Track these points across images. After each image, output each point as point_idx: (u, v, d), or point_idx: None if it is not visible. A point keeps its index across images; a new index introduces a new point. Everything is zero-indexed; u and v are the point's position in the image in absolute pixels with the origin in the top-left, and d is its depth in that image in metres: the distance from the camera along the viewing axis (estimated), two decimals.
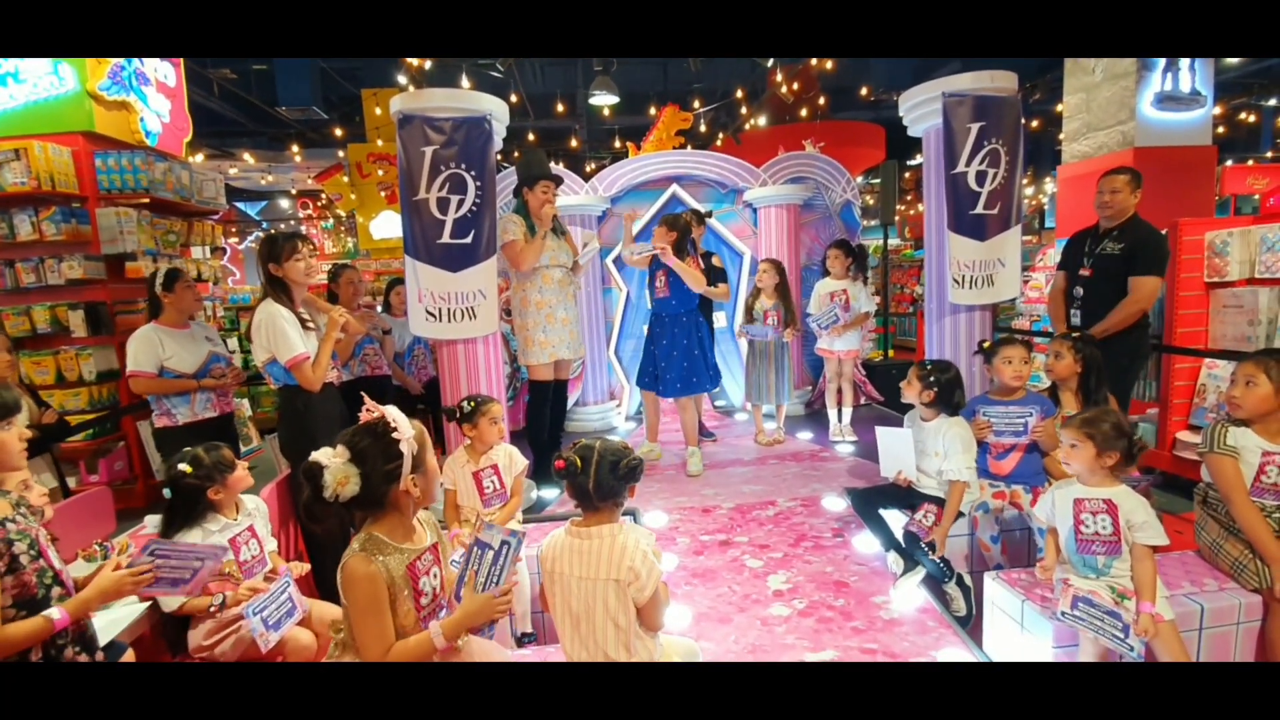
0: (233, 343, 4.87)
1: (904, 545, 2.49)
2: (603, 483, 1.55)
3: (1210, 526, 2.17)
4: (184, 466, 2.01)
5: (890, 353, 7.19)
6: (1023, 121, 3.18)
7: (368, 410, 1.47)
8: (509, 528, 1.54)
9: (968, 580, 2.44)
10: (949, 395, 2.54)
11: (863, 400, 5.13)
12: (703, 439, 4.46)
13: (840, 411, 4.41)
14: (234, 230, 14.39)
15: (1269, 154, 12.66)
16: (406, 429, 1.46)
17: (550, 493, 3.49)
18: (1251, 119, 10.96)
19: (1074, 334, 2.82)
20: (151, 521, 2.60)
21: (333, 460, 1.40)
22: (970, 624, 2.35)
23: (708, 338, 3.99)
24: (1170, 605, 1.86)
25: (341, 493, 1.37)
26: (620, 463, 1.57)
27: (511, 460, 2.60)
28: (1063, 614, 1.84)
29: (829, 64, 8.05)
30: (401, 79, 7.67)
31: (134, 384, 3.00)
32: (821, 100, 9.14)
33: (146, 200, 4.32)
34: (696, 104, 9.18)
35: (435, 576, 1.50)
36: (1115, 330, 3.10)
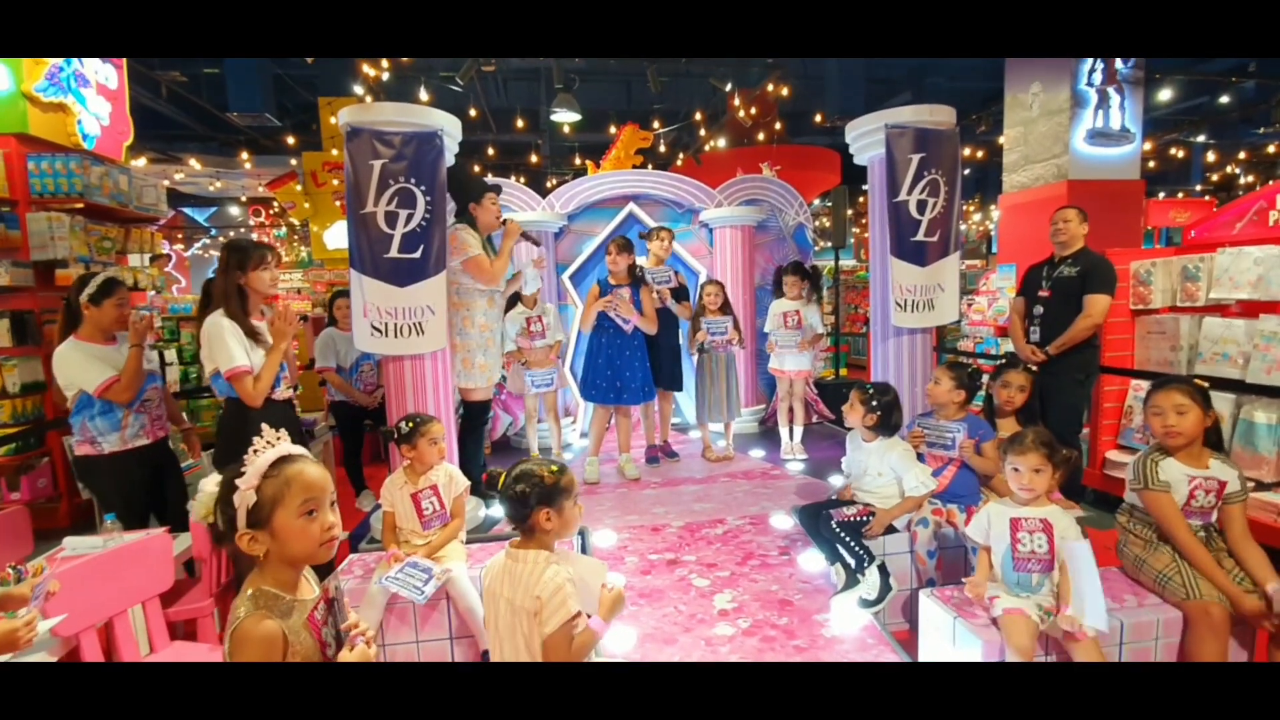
0: (170, 354, 4.67)
1: (808, 521, 2.69)
2: (507, 504, 1.57)
3: (1133, 542, 2.27)
4: None
5: (844, 371, 7.35)
6: (961, 153, 3.32)
7: (254, 447, 1.26)
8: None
9: (886, 567, 2.53)
10: (889, 417, 2.63)
11: (814, 419, 5.23)
12: (667, 459, 4.48)
13: (791, 430, 4.47)
14: (180, 236, 13.86)
15: (1198, 187, 13.45)
16: (250, 479, 1.21)
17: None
18: (1181, 154, 11.63)
19: (1028, 367, 2.95)
20: (71, 544, 2.47)
21: (206, 489, 1.26)
22: (882, 603, 2.45)
23: (662, 347, 4.18)
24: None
25: (214, 521, 1.25)
26: (517, 487, 1.55)
27: (451, 480, 2.56)
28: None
29: (784, 90, 8.26)
30: (358, 89, 7.56)
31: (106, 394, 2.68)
32: (778, 125, 9.37)
33: (81, 205, 4.14)
34: (657, 124, 9.29)
35: (331, 626, 1.33)
36: (1071, 344, 3.37)
